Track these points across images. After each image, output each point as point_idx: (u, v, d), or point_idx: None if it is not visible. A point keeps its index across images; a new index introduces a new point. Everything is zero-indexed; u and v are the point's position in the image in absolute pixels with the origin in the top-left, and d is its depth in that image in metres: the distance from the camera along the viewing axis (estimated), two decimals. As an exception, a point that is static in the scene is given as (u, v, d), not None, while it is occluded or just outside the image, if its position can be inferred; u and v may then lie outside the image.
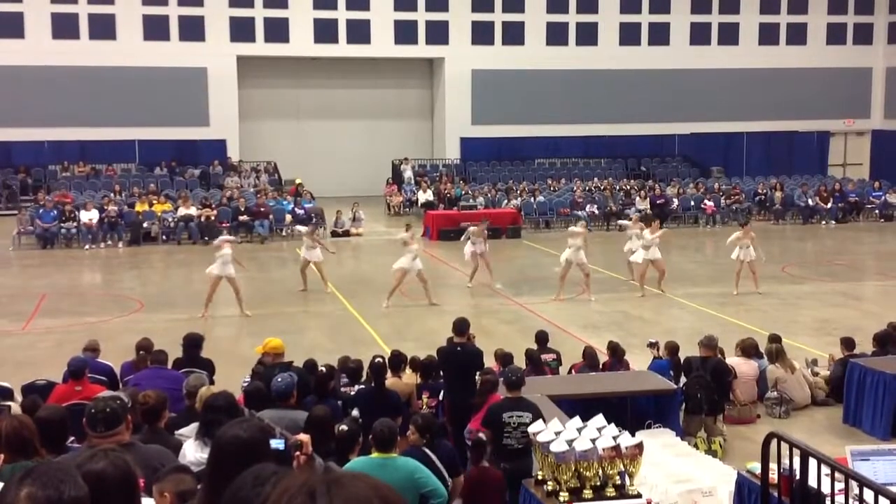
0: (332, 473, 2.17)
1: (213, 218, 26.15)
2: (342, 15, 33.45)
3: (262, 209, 26.46)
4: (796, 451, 5.20)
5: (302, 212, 27.01)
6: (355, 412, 8.44)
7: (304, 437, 4.11)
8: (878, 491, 4.50)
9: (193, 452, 5.63)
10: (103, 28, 31.49)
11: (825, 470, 5.20)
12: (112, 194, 27.28)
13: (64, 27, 31.16)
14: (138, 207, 26.39)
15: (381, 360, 9.14)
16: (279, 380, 7.59)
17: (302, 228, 20.90)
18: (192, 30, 32.21)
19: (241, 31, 32.63)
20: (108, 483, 2.99)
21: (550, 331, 12.92)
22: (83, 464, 3.02)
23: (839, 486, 5.25)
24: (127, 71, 31.40)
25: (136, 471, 3.14)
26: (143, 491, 3.50)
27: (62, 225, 25.23)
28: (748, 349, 11.69)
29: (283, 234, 26.98)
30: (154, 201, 26.83)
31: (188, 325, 12.61)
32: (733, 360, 11.41)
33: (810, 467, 5.14)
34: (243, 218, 26.17)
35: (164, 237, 25.79)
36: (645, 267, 18.52)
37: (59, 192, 27.87)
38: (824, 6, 36.58)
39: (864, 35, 37.02)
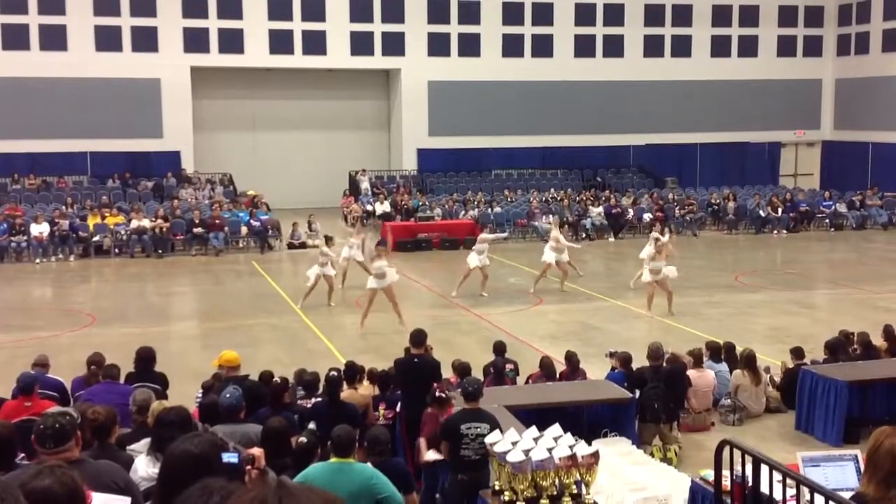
0: (285, 486, 2.16)
1: (166, 230, 25.89)
2: (297, 26, 33.33)
3: (217, 221, 26.24)
4: (749, 458, 5.25)
5: (258, 224, 26.83)
6: (312, 425, 8.37)
7: (256, 452, 4.07)
8: (829, 496, 4.56)
9: (145, 468, 5.56)
10: (54, 39, 31.07)
11: (777, 476, 5.25)
12: (63, 207, 26.91)
13: (14, 38, 30.68)
14: (90, 220, 26.03)
15: (336, 372, 9.08)
16: (227, 395, 7.47)
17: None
18: (146, 40, 31.88)
19: (195, 41, 32.37)
20: (54, 500, 2.94)
21: (508, 342, 12.93)
22: (28, 481, 2.96)
23: (791, 492, 5.31)
24: (79, 82, 31.00)
25: (82, 487, 3.08)
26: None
27: (12, 238, 24.79)
28: (698, 359, 11.71)
29: (240, 245, 26.82)
30: (106, 214, 26.49)
31: (141, 340, 12.42)
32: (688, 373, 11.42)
33: (762, 474, 5.19)
34: (198, 230, 25.92)
35: (116, 250, 25.47)
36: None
37: (9, 205, 27.41)
38: (775, 19, 37.20)
39: (813, 47, 37.70)
